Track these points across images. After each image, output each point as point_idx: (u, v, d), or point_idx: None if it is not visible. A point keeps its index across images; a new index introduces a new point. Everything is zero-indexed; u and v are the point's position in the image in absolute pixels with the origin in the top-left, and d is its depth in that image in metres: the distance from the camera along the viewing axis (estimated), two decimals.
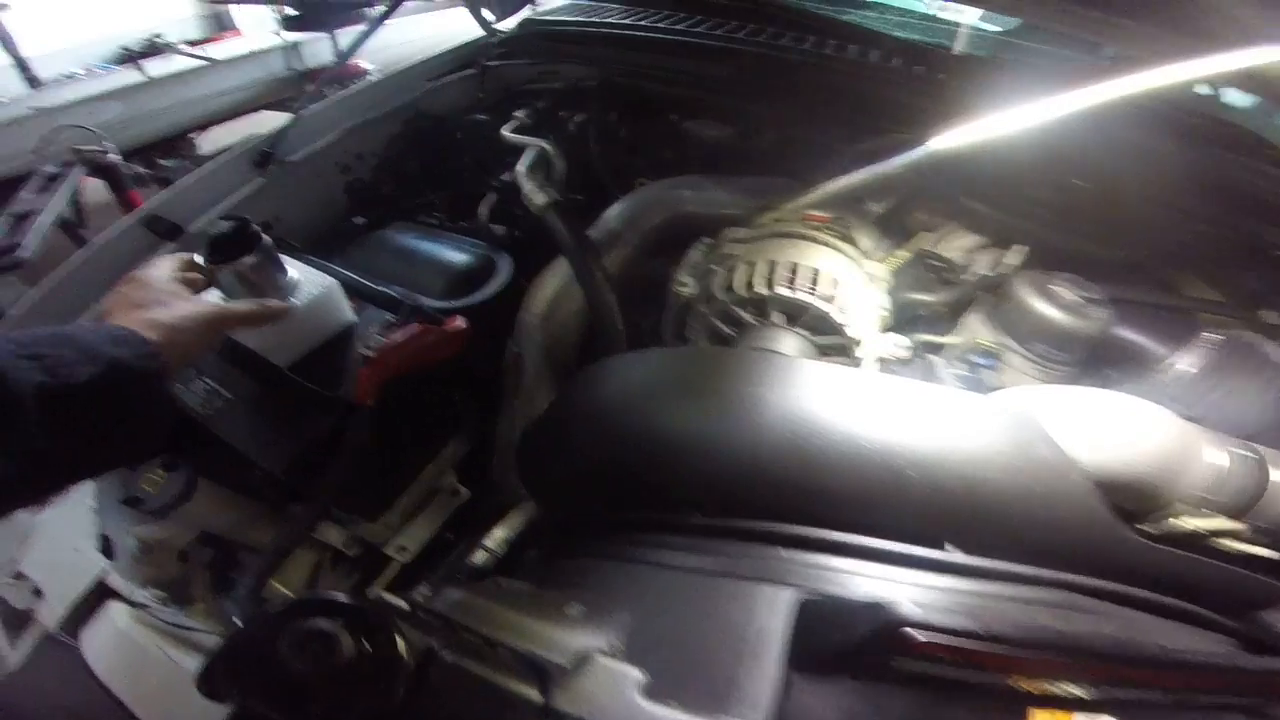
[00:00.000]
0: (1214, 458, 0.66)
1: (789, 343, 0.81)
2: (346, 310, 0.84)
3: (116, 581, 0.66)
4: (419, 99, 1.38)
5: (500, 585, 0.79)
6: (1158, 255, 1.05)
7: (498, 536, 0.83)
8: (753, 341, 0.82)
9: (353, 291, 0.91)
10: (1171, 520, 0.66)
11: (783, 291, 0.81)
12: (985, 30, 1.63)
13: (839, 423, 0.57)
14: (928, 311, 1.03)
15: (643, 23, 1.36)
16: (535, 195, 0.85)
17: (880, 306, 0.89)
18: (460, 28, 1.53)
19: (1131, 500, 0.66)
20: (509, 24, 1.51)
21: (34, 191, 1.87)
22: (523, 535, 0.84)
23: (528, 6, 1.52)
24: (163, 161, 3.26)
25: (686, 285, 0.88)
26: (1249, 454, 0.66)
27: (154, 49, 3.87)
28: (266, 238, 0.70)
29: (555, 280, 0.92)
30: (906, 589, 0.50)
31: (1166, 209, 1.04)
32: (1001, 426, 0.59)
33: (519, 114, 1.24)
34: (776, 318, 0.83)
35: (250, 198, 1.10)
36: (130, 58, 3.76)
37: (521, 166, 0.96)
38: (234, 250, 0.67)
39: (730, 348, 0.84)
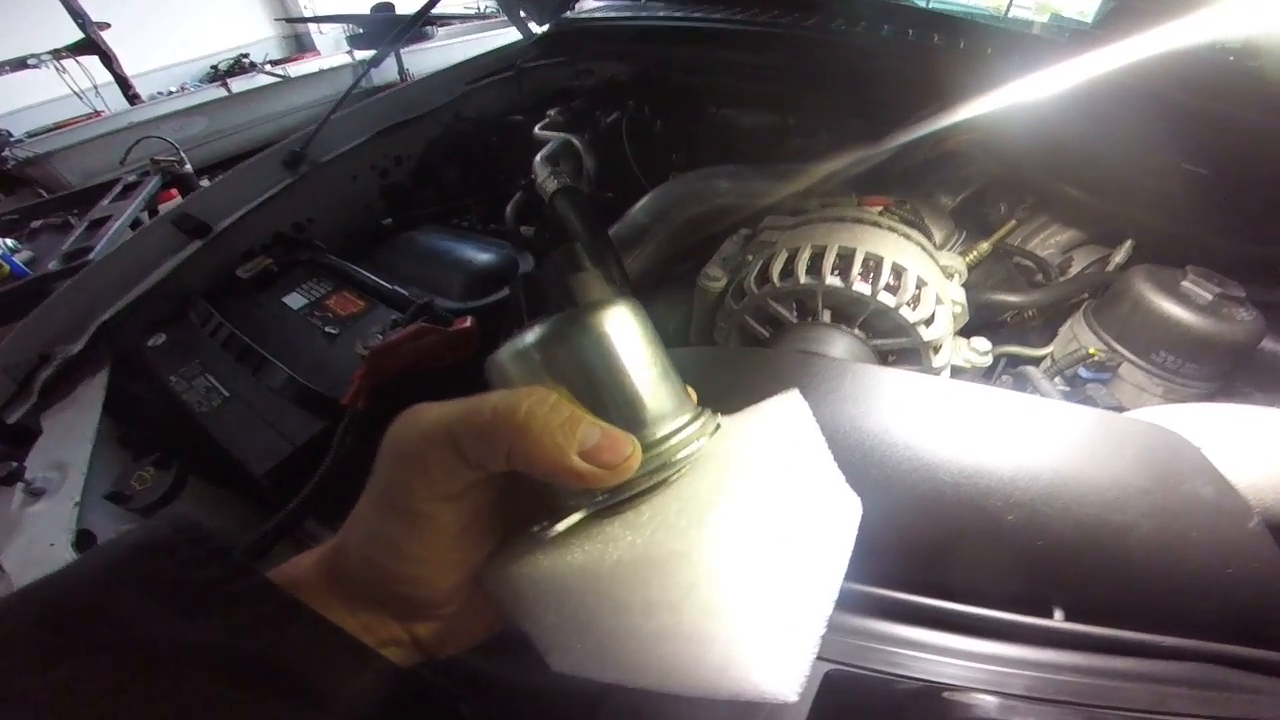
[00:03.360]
0: None
1: (839, 344, 0.66)
2: None
3: None
4: (457, 102, 1.35)
5: None
6: None
7: None
8: (791, 343, 0.68)
9: (363, 289, 0.88)
10: None
11: (834, 282, 0.66)
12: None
13: (905, 446, 0.44)
14: (1013, 318, 0.87)
15: (678, 14, 1.29)
16: (547, 181, 0.77)
17: (956, 304, 0.74)
18: None
19: None
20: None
21: (114, 199, 1.99)
22: None
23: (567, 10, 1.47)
24: None
25: (717, 279, 0.75)
26: None
27: (240, 68, 4.19)
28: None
29: None
30: (984, 669, 0.38)
31: None
32: (1145, 455, 0.44)
33: (552, 112, 1.19)
34: (824, 315, 0.69)
35: (281, 198, 1.08)
36: (218, 77, 4.08)
37: (539, 156, 0.90)
38: None
39: (762, 349, 0.70)
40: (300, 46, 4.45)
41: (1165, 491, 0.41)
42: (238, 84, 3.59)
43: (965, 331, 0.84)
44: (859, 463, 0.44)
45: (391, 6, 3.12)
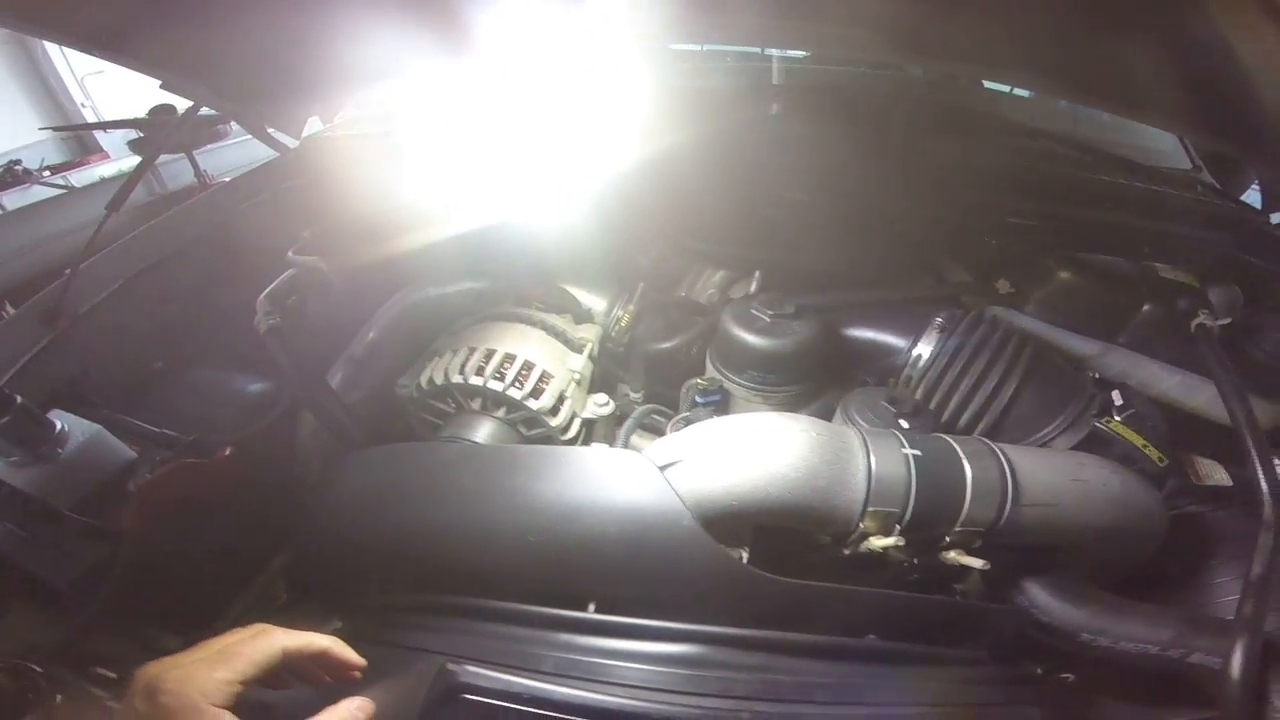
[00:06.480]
0: (886, 461, 0.66)
1: (480, 428, 0.92)
2: (121, 450, 0.95)
3: None
4: (218, 231, 1.42)
5: None
6: (903, 246, 1.13)
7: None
8: (447, 430, 0.94)
9: (135, 435, 1.00)
10: (871, 540, 0.66)
11: (456, 379, 0.92)
12: None
13: (463, 500, 0.69)
14: (681, 356, 1.07)
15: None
16: (261, 322, 0.91)
17: (576, 372, 0.99)
18: None
19: (816, 525, 0.68)
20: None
21: None
22: None
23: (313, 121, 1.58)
24: None
25: (406, 385, 0.99)
26: (918, 451, 0.67)
27: (13, 178, 3.75)
28: (19, 399, 0.82)
29: None
30: (528, 651, 0.59)
31: (896, 200, 1.11)
32: (617, 479, 0.67)
33: (307, 233, 1.33)
34: (472, 404, 0.95)
35: (42, 358, 1.10)
36: None
37: (262, 295, 0.99)
38: None
39: (412, 444, 0.92)
40: (85, 148, 4.10)
41: (628, 504, 0.64)
42: (11, 198, 3.28)
43: (651, 379, 1.09)
44: (458, 526, 0.68)
45: (172, 109, 3.02)
